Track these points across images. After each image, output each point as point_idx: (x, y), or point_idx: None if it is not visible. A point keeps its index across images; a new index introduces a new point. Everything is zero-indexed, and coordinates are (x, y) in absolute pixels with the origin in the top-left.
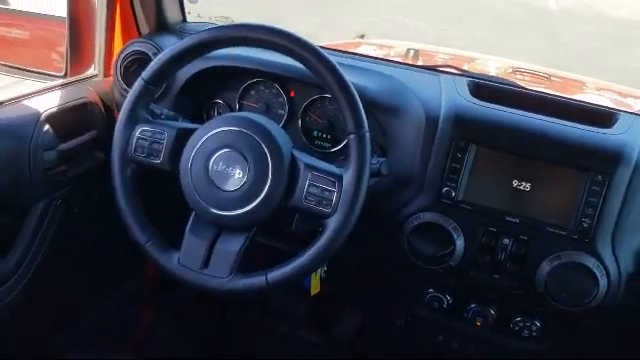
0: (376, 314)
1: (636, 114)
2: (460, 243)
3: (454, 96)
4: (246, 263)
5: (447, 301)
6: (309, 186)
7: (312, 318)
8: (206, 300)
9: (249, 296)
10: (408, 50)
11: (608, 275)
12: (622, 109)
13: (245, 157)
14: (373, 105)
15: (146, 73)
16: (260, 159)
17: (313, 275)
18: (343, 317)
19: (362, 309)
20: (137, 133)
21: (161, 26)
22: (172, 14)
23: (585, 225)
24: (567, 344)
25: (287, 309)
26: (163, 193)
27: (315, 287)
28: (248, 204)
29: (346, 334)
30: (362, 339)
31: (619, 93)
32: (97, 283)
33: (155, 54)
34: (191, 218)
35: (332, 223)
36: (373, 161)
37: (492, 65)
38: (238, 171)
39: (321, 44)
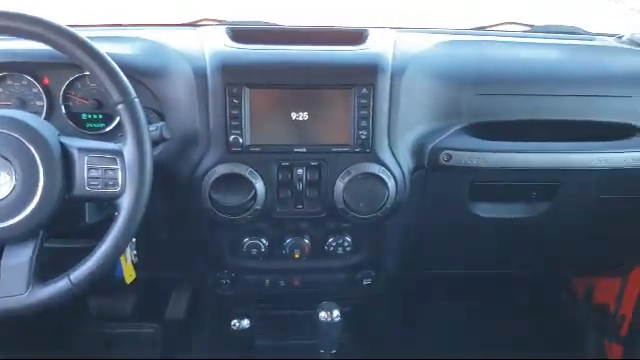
0: (202, 281)
1: (382, 27)
2: (260, 185)
3: (216, 45)
4: (55, 274)
5: (264, 244)
6: (89, 170)
7: (141, 308)
8: (12, 325)
9: (58, 303)
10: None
11: (394, 176)
12: (369, 26)
13: (7, 158)
14: (135, 71)
15: None
16: (25, 157)
17: (123, 262)
18: (173, 297)
19: (188, 281)
20: None
21: None
22: None
23: (363, 137)
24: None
25: (110, 308)
26: None
27: (129, 274)
28: (24, 208)
29: (180, 313)
30: (196, 311)
31: (363, 16)
32: None
33: None
34: None
35: (125, 201)
36: (152, 127)
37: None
38: (3, 175)
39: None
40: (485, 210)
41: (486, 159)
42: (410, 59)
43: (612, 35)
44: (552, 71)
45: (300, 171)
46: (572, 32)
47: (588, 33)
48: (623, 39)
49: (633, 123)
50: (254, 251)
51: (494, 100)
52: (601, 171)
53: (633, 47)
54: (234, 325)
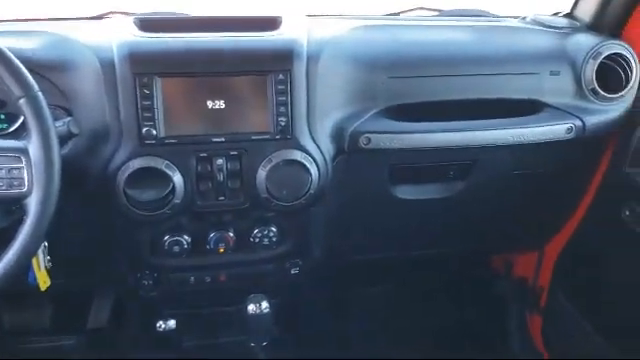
0: (123, 284)
1: (295, 14)
2: (178, 178)
3: (123, 35)
4: None
5: (186, 241)
6: None
7: (60, 319)
8: None
9: None
10: None
11: (315, 162)
12: (282, 14)
13: None
14: (38, 65)
15: None
16: None
17: (36, 268)
18: (94, 303)
19: (109, 285)
20: None
21: None
22: None
23: (283, 124)
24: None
25: (27, 322)
26: None
27: (43, 281)
28: None
29: (103, 320)
30: (120, 317)
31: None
32: None
33: None
34: None
35: (33, 202)
36: (59, 123)
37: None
38: None
39: None
40: (405, 192)
41: (403, 140)
42: (325, 44)
43: (516, 17)
44: (462, 52)
45: (220, 161)
46: (479, 15)
47: (494, 15)
48: (527, 20)
49: (541, 99)
50: (176, 248)
51: (408, 82)
52: (513, 147)
53: (536, 27)
54: (159, 327)
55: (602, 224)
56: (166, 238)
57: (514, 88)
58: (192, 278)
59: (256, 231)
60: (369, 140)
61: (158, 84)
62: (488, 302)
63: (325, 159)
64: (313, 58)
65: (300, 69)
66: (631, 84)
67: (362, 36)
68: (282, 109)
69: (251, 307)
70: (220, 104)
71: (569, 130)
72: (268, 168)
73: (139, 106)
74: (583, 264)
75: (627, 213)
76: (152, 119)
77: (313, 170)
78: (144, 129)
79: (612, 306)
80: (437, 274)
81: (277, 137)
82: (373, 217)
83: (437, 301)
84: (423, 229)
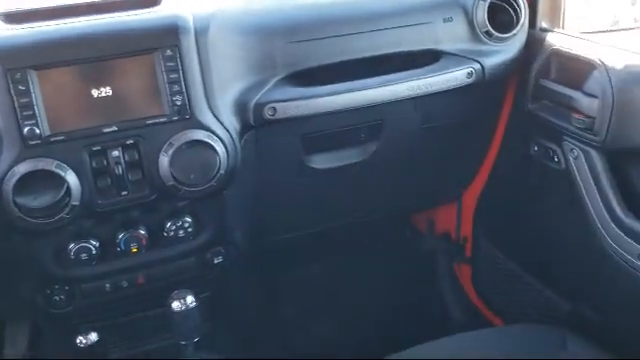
0: (33, 305)
1: None
2: (72, 178)
3: None
4: None
5: (94, 246)
6: None
7: None
8: None
9: None
10: None
11: (221, 139)
12: None
13: None
14: None
15: None
16: None
17: None
18: (8, 332)
19: (21, 309)
20: None
21: None
22: None
23: (179, 103)
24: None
25: None
26: None
27: None
28: None
29: (21, 348)
30: (40, 342)
31: None
32: None
33: None
34: None
35: None
36: None
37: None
38: None
39: None
40: (320, 162)
41: (309, 106)
42: (212, 15)
43: None
44: (355, 9)
45: (116, 153)
46: None
47: None
48: None
49: (438, 47)
50: (84, 256)
51: (306, 46)
52: (418, 101)
53: None
54: (80, 342)
55: (513, 165)
56: (71, 246)
57: (411, 40)
58: (107, 285)
59: (169, 224)
60: (274, 110)
61: (34, 78)
62: (417, 262)
63: (232, 136)
64: (201, 30)
65: (188, 43)
66: (522, 22)
67: (252, 4)
68: (176, 87)
69: (175, 304)
70: (107, 91)
71: (469, 75)
72: (170, 153)
73: (16, 105)
74: (502, 207)
75: (535, 149)
76: (33, 117)
77: (220, 149)
78: (25, 129)
79: (535, 244)
80: (363, 241)
81: (175, 118)
82: (291, 192)
83: (366, 268)
84: (343, 197)
